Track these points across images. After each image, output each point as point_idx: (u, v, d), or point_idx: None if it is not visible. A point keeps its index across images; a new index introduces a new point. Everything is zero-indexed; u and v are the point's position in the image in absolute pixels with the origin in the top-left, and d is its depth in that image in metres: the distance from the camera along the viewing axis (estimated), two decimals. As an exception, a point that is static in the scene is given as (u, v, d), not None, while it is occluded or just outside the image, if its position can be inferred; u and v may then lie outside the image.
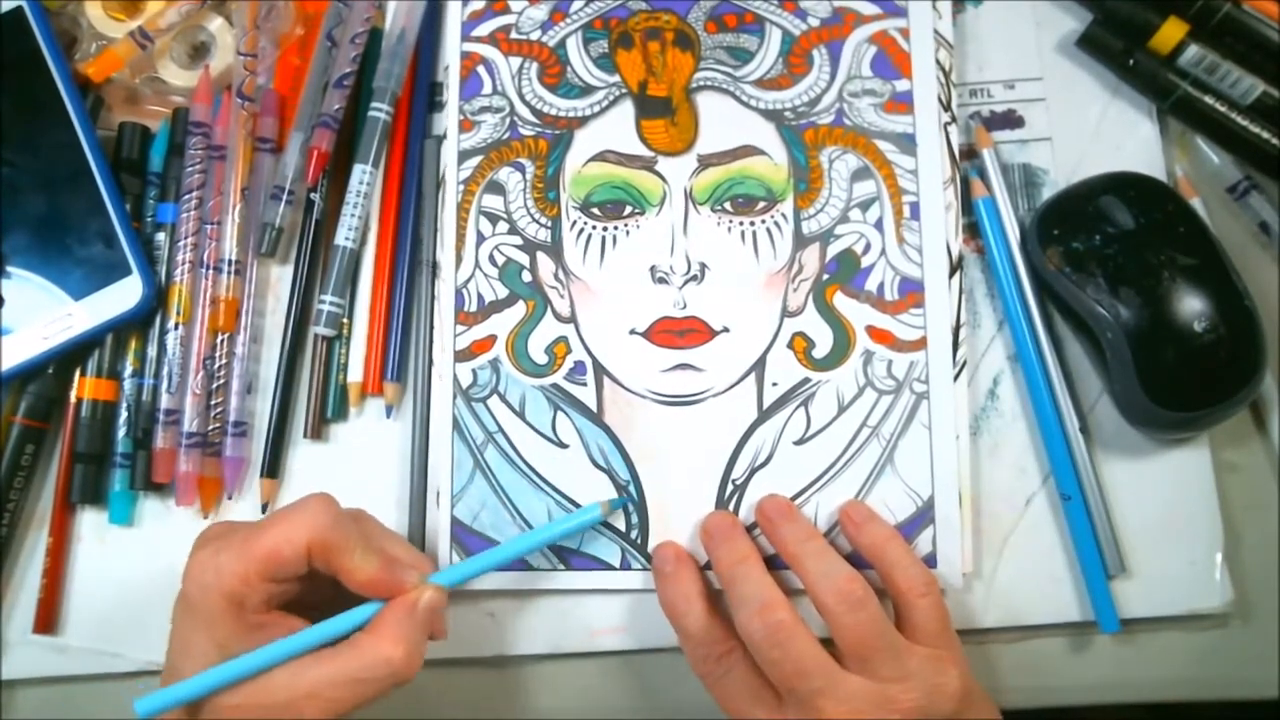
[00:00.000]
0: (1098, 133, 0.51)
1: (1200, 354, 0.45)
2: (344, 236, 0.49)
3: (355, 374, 0.49)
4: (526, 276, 0.49)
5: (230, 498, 0.49)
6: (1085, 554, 0.46)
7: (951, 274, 0.48)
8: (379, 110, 0.50)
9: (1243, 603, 0.47)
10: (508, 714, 0.48)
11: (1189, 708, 0.47)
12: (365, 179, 0.50)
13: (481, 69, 0.51)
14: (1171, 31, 0.49)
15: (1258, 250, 0.50)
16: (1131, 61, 0.50)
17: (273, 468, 0.49)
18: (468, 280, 0.49)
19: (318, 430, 0.49)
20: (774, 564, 0.45)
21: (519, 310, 0.49)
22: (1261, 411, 0.48)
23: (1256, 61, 0.49)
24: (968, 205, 0.49)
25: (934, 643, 0.42)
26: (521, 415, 0.48)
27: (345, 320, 0.50)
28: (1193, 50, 0.49)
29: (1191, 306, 0.45)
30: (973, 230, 0.50)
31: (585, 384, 0.48)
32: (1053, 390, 0.47)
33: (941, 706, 0.40)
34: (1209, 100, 0.49)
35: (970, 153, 0.50)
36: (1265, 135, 0.48)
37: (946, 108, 0.49)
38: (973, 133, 0.50)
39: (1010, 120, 0.51)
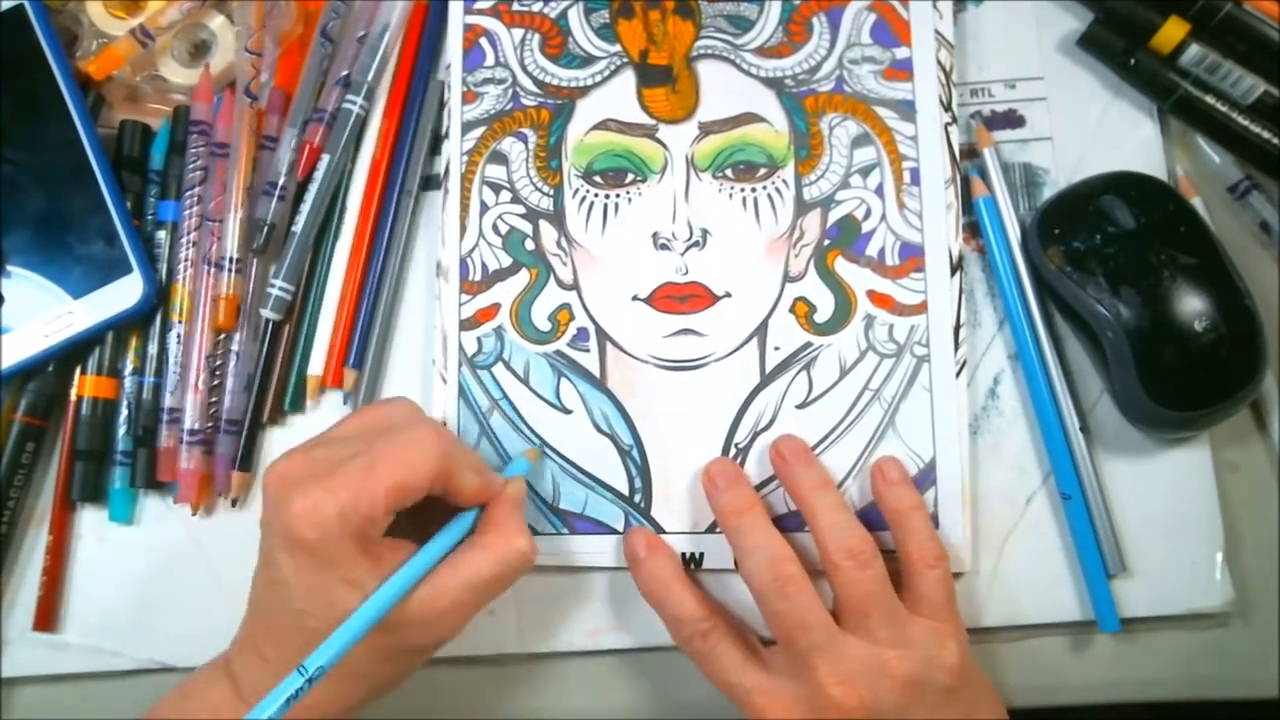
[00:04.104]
0: (1098, 132, 0.50)
1: (1201, 353, 0.45)
2: (300, 224, 0.50)
3: (316, 364, 0.50)
4: (529, 245, 0.49)
5: (220, 494, 0.49)
6: (1085, 553, 0.46)
7: (952, 273, 0.48)
8: (352, 103, 0.50)
9: (1243, 602, 0.47)
10: (508, 714, 0.48)
11: (1189, 708, 0.47)
12: (328, 169, 0.50)
13: (484, 41, 0.51)
14: (1172, 31, 0.49)
15: (1258, 250, 0.50)
16: (1132, 61, 0.50)
17: (245, 461, 0.49)
18: (471, 249, 0.49)
19: (274, 418, 0.50)
20: (781, 525, 0.45)
21: (522, 278, 0.49)
22: (1261, 411, 0.48)
23: (1258, 61, 0.49)
24: (968, 204, 0.49)
25: (937, 615, 0.42)
26: (526, 382, 0.48)
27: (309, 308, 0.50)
28: (1194, 50, 0.49)
29: (1192, 306, 0.45)
30: (973, 229, 0.50)
31: (588, 350, 0.48)
32: (1053, 389, 0.47)
33: (938, 678, 0.41)
34: (1210, 100, 0.49)
35: (971, 152, 0.50)
36: (1266, 135, 0.48)
37: (947, 108, 0.49)
38: (973, 132, 0.50)
39: (1011, 119, 0.51)
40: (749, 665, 0.43)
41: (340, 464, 0.39)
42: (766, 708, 0.41)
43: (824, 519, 0.43)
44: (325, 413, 0.50)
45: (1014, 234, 0.49)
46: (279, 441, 0.50)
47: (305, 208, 0.50)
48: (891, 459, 0.46)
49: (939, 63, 0.50)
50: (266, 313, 0.49)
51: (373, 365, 0.50)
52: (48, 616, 0.48)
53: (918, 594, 0.43)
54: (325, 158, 0.50)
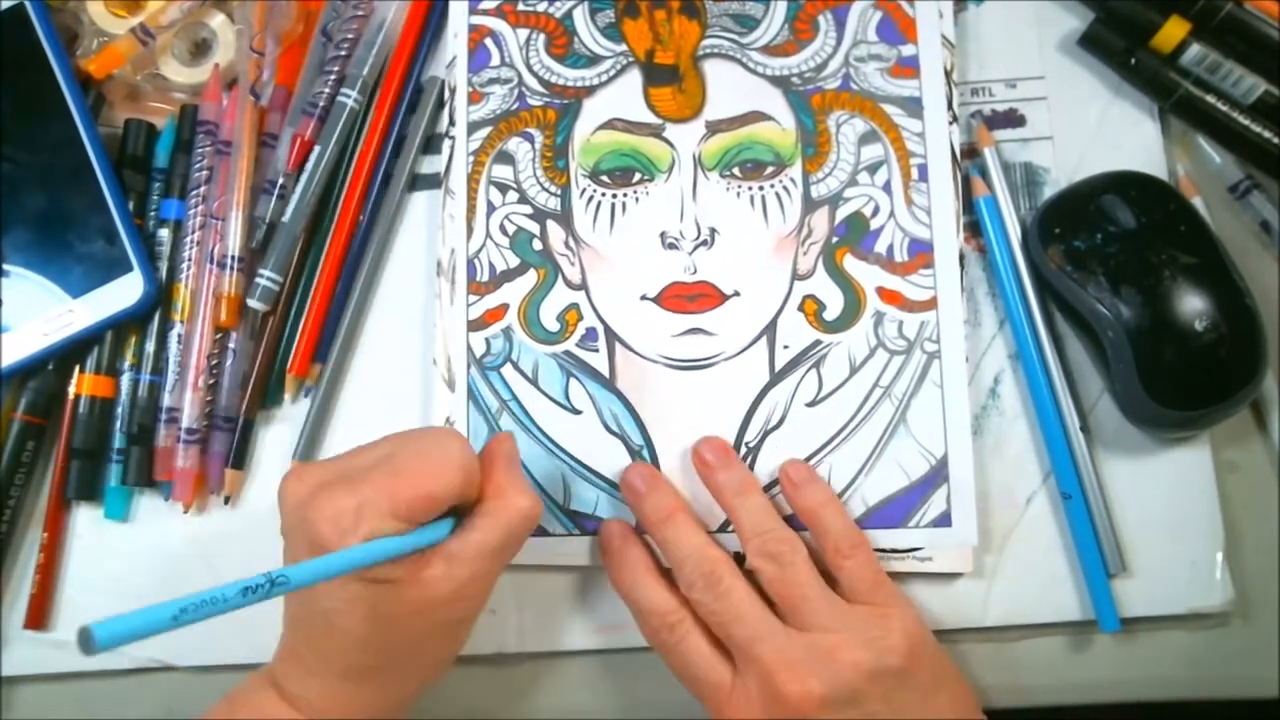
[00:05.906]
0: (1099, 132, 0.50)
1: (1201, 353, 0.45)
2: (288, 215, 0.50)
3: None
4: (537, 245, 0.49)
5: (214, 493, 0.49)
6: (1085, 553, 0.46)
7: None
8: (347, 97, 0.50)
9: (1243, 602, 0.47)
10: (508, 714, 0.48)
11: (1189, 707, 0.47)
12: (316, 161, 0.50)
13: (489, 41, 0.51)
14: (1173, 31, 0.49)
15: (1259, 249, 0.50)
16: (1133, 61, 0.50)
17: (239, 458, 0.49)
18: (479, 250, 0.49)
19: (252, 412, 0.49)
20: (793, 523, 0.45)
21: (530, 279, 0.49)
22: (1262, 411, 0.48)
23: (1258, 61, 0.49)
24: (969, 204, 0.49)
25: (871, 600, 0.42)
26: (535, 383, 0.48)
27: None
28: (1194, 49, 0.49)
29: (1192, 305, 0.45)
30: (974, 229, 0.50)
31: (597, 350, 0.48)
32: (1054, 389, 0.47)
33: (887, 661, 0.41)
34: (1210, 100, 0.49)
35: (972, 151, 0.50)
36: (1267, 135, 0.48)
37: (948, 107, 0.49)
38: (974, 131, 0.50)
39: (1012, 119, 0.51)
40: (714, 661, 0.42)
41: (366, 470, 0.39)
42: (725, 704, 0.42)
43: (746, 522, 0.44)
44: (309, 407, 0.50)
45: (1014, 233, 0.49)
46: (274, 439, 0.50)
47: (294, 199, 0.50)
48: (794, 461, 0.46)
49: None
50: (253, 303, 0.49)
51: (369, 364, 0.50)
52: (39, 614, 0.48)
53: (845, 586, 0.43)
54: (319, 150, 0.50)
